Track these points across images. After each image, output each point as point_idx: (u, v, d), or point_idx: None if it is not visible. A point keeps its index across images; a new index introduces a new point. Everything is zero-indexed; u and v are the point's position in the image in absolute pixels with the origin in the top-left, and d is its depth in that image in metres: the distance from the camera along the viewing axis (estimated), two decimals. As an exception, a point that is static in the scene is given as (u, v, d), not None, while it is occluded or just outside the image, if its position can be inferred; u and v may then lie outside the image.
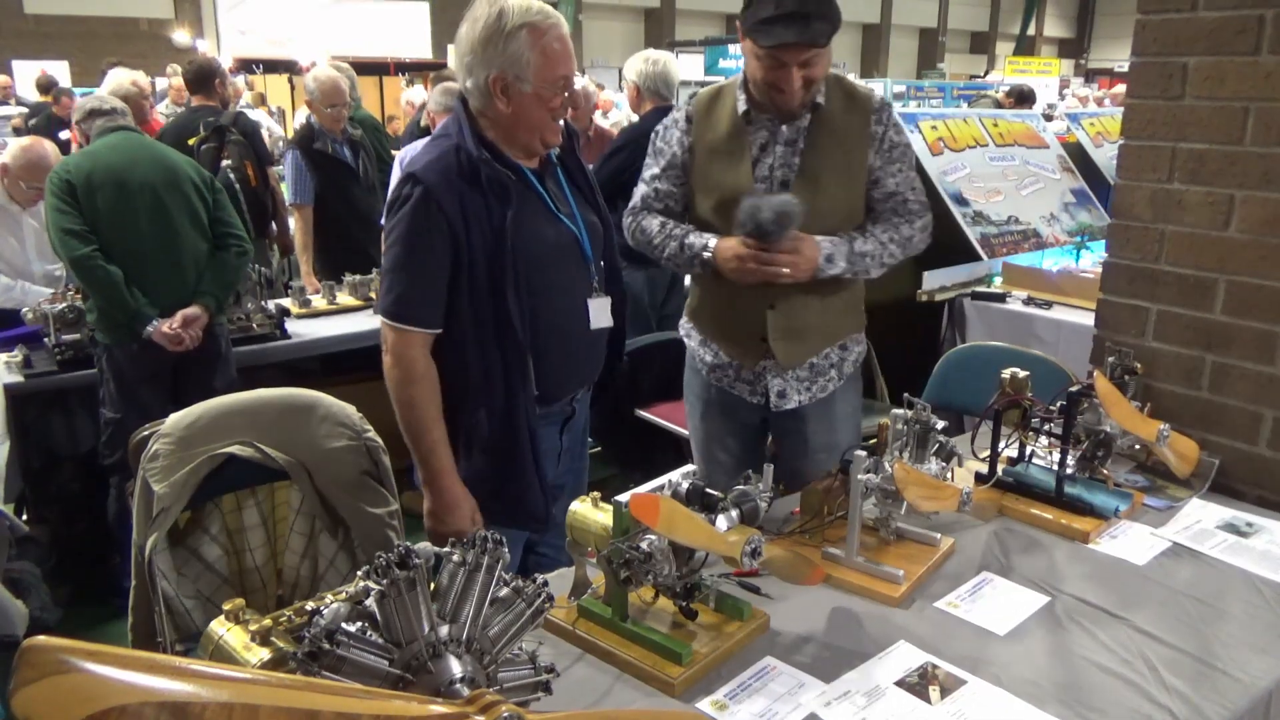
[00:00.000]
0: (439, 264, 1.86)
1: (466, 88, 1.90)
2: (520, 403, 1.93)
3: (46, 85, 9.78)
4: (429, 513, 1.97)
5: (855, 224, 2.19)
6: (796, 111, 2.10)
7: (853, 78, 3.17)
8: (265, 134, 5.45)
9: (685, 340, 2.42)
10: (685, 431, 3.38)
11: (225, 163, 4.66)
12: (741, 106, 2.15)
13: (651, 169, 2.29)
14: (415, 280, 1.87)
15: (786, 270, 2.02)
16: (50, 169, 3.25)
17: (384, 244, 1.91)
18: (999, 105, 7.60)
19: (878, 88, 14.79)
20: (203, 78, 4.99)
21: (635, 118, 4.34)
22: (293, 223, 4.68)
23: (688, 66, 16.72)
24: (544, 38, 1.83)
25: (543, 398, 2.00)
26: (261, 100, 11.09)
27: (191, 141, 4.61)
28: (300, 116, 5.42)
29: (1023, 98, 7.66)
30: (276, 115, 10.54)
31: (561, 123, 1.96)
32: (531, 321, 1.92)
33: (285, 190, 4.71)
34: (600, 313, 2.05)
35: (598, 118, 5.76)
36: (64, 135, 6.25)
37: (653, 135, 2.31)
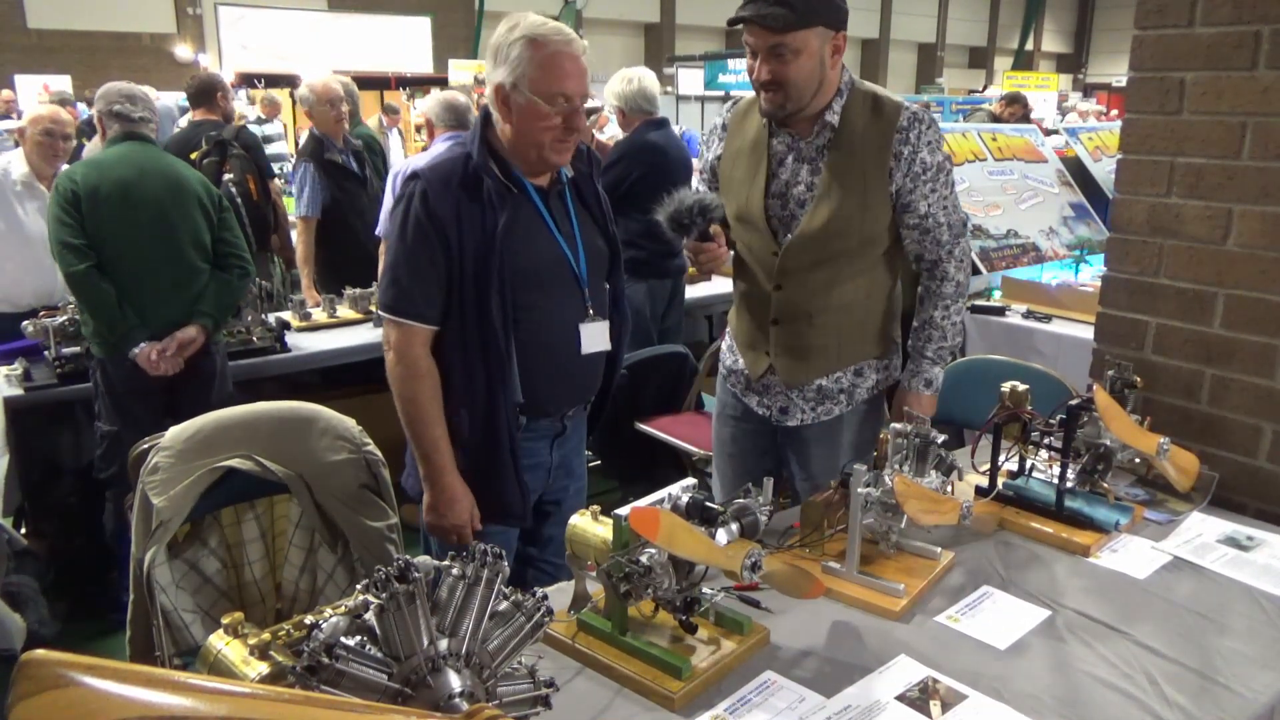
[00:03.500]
0: (435, 261, 1.89)
1: (487, 97, 1.96)
2: (501, 407, 1.94)
3: (61, 104, 9.84)
4: (428, 507, 1.98)
5: (878, 248, 2.12)
6: (777, 115, 2.08)
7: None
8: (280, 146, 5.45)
9: (724, 340, 2.43)
10: (685, 444, 3.38)
11: (227, 176, 4.66)
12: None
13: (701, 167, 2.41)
14: (413, 275, 1.90)
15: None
16: (65, 119, 3.25)
17: (385, 242, 1.95)
18: (995, 118, 7.64)
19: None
20: (205, 92, 5.00)
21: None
22: (294, 235, 4.69)
23: (688, 82, 16.73)
24: (543, 50, 1.85)
25: (531, 410, 2.01)
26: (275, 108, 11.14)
27: (194, 155, 4.61)
28: (303, 137, 5.42)
29: (1014, 100, 7.77)
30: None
31: (579, 145, 1.99)
32: (517, 334, 1.93)
33: (290, 203, 4.70)
34: (594, 337, 2.05)
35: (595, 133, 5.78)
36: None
37: None
